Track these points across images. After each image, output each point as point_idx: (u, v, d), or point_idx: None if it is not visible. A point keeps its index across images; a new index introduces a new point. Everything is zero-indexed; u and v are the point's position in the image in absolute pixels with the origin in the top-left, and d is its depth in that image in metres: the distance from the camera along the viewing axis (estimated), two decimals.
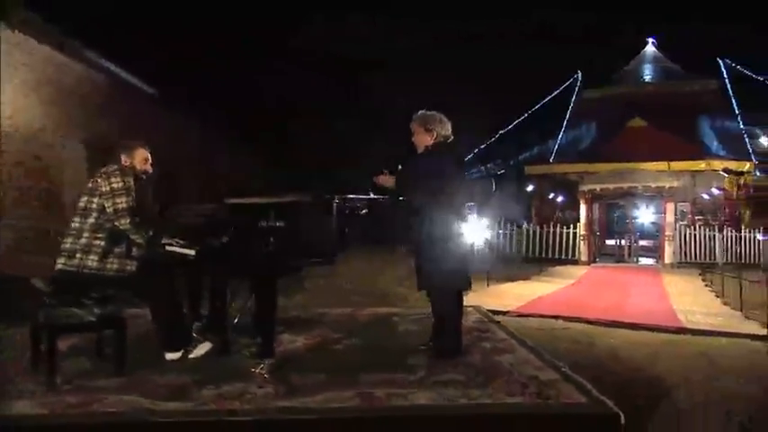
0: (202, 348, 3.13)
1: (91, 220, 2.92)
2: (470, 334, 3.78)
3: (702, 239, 13.27)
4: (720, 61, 19.82)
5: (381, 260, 9.06)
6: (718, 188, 15.57)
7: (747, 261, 12.75)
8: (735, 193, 15.46)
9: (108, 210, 2.91)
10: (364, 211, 3.49)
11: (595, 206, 15.18)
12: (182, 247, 3.11)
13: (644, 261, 14.44)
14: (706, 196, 15.86)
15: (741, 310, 6.46)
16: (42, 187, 6.58)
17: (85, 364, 3.01)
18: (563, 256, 13.48)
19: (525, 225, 14.22)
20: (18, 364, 3.02)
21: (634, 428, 2.52)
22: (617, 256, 14.68)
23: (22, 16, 6.11)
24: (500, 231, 13.54)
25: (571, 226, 13.89)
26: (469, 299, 3.62)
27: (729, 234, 13.17)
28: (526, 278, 9.63)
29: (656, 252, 14.59)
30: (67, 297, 2.80)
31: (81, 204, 2.97)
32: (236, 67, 15.02)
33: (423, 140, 3.41)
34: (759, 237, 13.26)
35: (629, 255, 14.53)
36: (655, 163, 14.61)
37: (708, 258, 12.80)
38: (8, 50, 5.96)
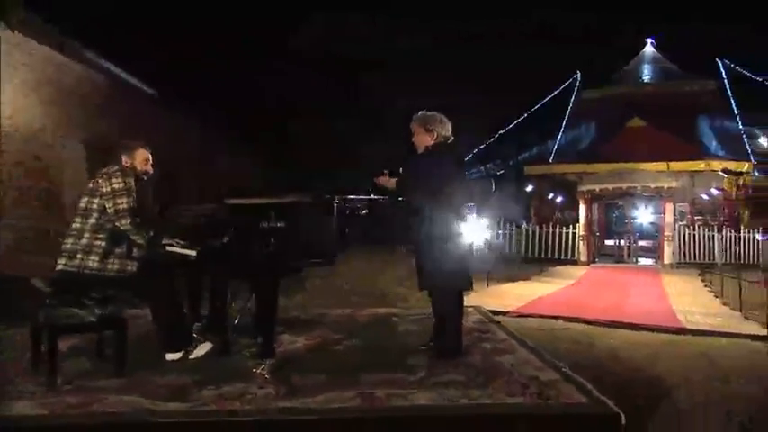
0: (203, 349, 3.13)
1: (92, 221, 2.93)
2: (471, 334, 3.78)
3: (701, 240, 13.28)
4: (719, 62, 19.88)
5: (381, 260, 9.07)
6: (718, 188, 15.59)
7: (746, 261, 12.76)
8: (734, 194, 15.49)
9: (109, 210, 2.91)
10: (364, 212, 3.50)
11: (595, 206, 15.19)
12: (182, 247, 3.11)
13: (643, 261, 14.44)
14: (705, 197, 15.88)
15: (740, 311, 6.47)
16: (42, 187, 6.58)
17: (86, 364, 3.02)
18: (562, 257, 13.49)
19: (525, 225, 14.22)
20: (18, 365, 3.02)
21: (634, 429, 2.53)
22: (616, 257, 14.69)
23: (21, 16, 6.11)
24: (499, 231, 13.54)
25: (570, 226, 13.89)
26: (470, 299, 3.62)
27: (728, 234, 13.19)
28: (526, 278, 9.63)
29: (655, 252, 14.60)
30: (68, 297, 2.80)
31: (82, 205, 2.97)
32: (236, 67, 15.02)
33: (423, 141, 3.41)
34: (758, 237, 13.28)
35: (629, 255, 14.54)
36: (654, 163, 14.63)
37: (707, 259, 12.80)
38: (8, 51, 5.95)
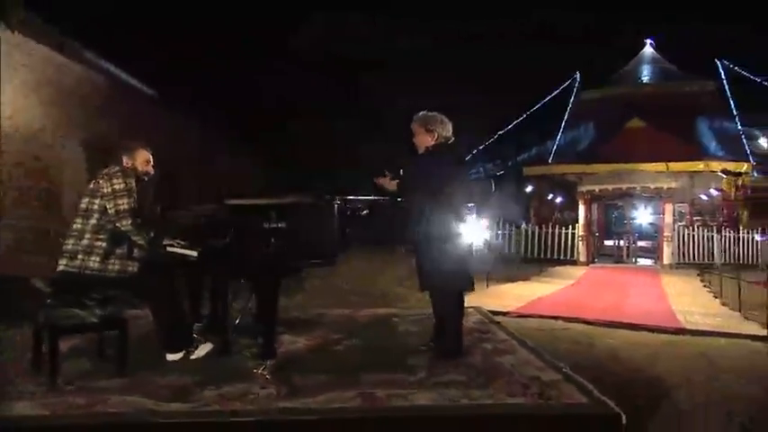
0: (204, 349, 3.13)
1: (92, 222, 2.93)
2: (471, 335, 3.79)
3: (701, 240, 13.30)
4: (718, 62, 19.93)
5: (381, 260, 9.07)
6: (717, 189, 15.62)
7: (745, 262, 12.78)
8: (733, 194, 15.52)
9: (110, 211, 2.91)
10: (365, 212, 3.50)
11: (594, 207, 15.20)
12: (183, 248, 3.12)
13: (642, 262, 14.46)
14: (704, 197, 15.90)
15: (740, 311, 6.48)
16: (42, 187, 6.57)
17: (87, 365, 3.01)
18: (562, 257, 13.50)
19: (524, 226, 14.23)
20: (19, 365, 3.02)
21: (635, 429, 2.53)
22: (615, 257, 14.70)
23: (21, 17, 6.10)
24: (499, 232, 13.55)
25: (570, 227, 13.91)
26: (469, 299, 3.62)
27: (727, 235, 13.20)
28: (526, 279, 9.64)
29: (654, 253, 14.62)
30: (69, 298, 2.81)
31: (82, 206, 2.97)
32: (236, 68, 15.01)
33: (424, 141, 3.42)
34: (757, 237, 13.30)
35: (628, 255, 14.56)
36: (653, 164, 14.65)
37: (706, 259, 12.83)
38: (8, 51, 5.95)
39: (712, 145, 17.31)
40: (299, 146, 14.78)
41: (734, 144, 17.38)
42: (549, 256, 13.50)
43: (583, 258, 13.60)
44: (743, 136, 17.88)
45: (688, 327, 5.53)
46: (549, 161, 18.61)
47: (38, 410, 2.39)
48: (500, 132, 19.98)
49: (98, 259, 2.90)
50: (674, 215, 14.05)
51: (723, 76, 19.65)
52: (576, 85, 20.62)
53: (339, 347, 3.57)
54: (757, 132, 18.42)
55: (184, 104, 9.99)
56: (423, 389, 2.71)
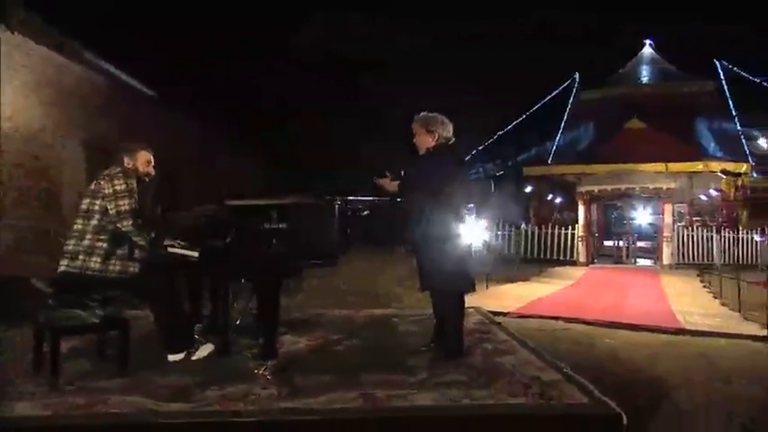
0: (205, 350, 3.13)
1: (94, 222, 2.93)
2: (472, 335, 3.79)
3: (700, 240, 13.31)
4: (717, 63, 19.96)
5: (381, 260, 9.07)
6: (716, 189, 15.64)
7: (745, 262, 12.79)
8: (732, 195, 15.53)
9: (111, 212, 2.91)
10: (366, 213, 3.50)
11: (593, 207, 15.21)
12: (183, 248, 3.12)
13: (642, 262, 14.47)
14: (703, 197, 15.92)
15: (739, 311, 6.48)
16: (42, 187, 6.57)
17: (87, 365, 3.01)
18: (561, 258, 13.51)
19: (524, 226, 14.24)
20: (19, 366, 3.02)
21: (636, 430, 2.53)
22: (615, 257, 14.71)
23: (21, 17, 6.10)
24: (499, 233, 13.56)
25: (569, 227, 13.92)
26: (469, 300, 3.63)
27: (727, 235, 13.22)
28: (525, 279, 9.64)
29: (653, 253, 14.64)
30: (70, 298, 2.81)
31: (84, 206, 2.97)
32: (236, 68, 15.02)
33: (424, 142, 3.42)
34: (756, 238, 13.31)
35: (627, 256, 14.57)
36: (652, 164, 14.66)
37: (705, 259, 12.84)
38: (8, 52, 5.95)
39: (711, 145, 17.34)
40: (298, 146, 14.79)
41: (733, 144, 17.41)
42: (548, 256, 13.50)
43: (582, 259, 13.61)
44: (742, 136, 17.91)
45: (688, 327, 5.53)
46: (549, 161, 18.63)
47: (39, 411, 2.39)
48: (500, 133, 20.01)
49: (99, 260, 2.90)
50: (673, 215, 14.06)
51: (722, 77, 19.71)
52: (576, 85, 20.64)
53: (340, 348, 3.57)
54: (756, 133, 18.43)
55: (184, 104, 9.99)
56: (424, 389, 2.71)
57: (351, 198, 3.39)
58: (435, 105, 3.55)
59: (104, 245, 2.92)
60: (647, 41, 21.45)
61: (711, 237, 13.05)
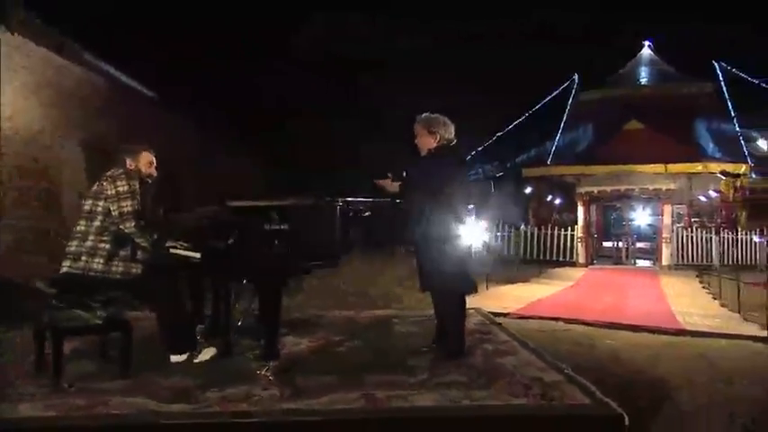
0: (207, 353, 3.13)
1: (96, 224, 2.93)
2: (472, 336, 3.78)
3: (699, 241, 13.33)
4: (716, 64, 19.98)
5: (381, 261, 9.07)
6: (715, 190, 15.67)
7: (744, 263, 12.81)
8: (731, 196, 15.55)
9: (113, 213, 2.91)
10: (367, 213, 3.51)
11: (593, 208, 15.22)
12: (186, 249, 3.12)
13: (641, 263, 14.49)
14: (703, 198, 15.95)
15: (739, 312, 6.49)
16: (42, 188, 6.57)
17: (89, 366, 3.01)
18: (561, 258, 13.52)
19: (523, 227, 14.25)
20: (20, 367, 3.02)
21: (637, 430, 2.54)
22: (614, 258, 14.73)
23: (21, 18, 6.10)
24: (498, 234, 13.57)
25: (569, 228, 13.93)
26: (469, 301, 3.63)
27: (726, 236, 13.23)
28: (525, 280, 9.65)
29: (653, 254, 14.65)
30: (73, 299, 2.81)
31: (86, 207, 2.97)
32: (236, 68, 15.01)
33: (426, 143, 3.43)
34: (755, 239, 13.33)
35: (627, 257, 14.59)
36: (651, 165, 14.69)
37: (704, 260, 12.86)
38: (8, 53, 5.95)
39: (710, 146, 17.38)
40: (298, 146, 14.79)
41: (732, 145, 17.45)
42: (548, 257, 13.51)
43: (582, 260, 13.62)
44: (741, 137, 17.94)
45: (688, 328, 5.54)
46: (548, 162, 18.64)
47: (41, 412, 2.39)
48: (499, 134, 20.02)
49: (102, 261, 2.90)
50: (672, 216, 14.08)
51: (721, 78, 19.73)
52: (575, 86, 20.67)
53: (341, 349, 3.57)
54: (755, 134, 18.48)
55: (184, 105, 9.99)
56: (424, 390, 2.72)
57: (352, 199, 3.39)
58: (435, 105, 3.56)
59: (107, 246, 2.92)
60: (646, 42, 21.50)
61: (710, 238, 13.07)
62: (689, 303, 7.43)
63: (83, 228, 2.95)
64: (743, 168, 15.56)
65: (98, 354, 3.11)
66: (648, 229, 16.59)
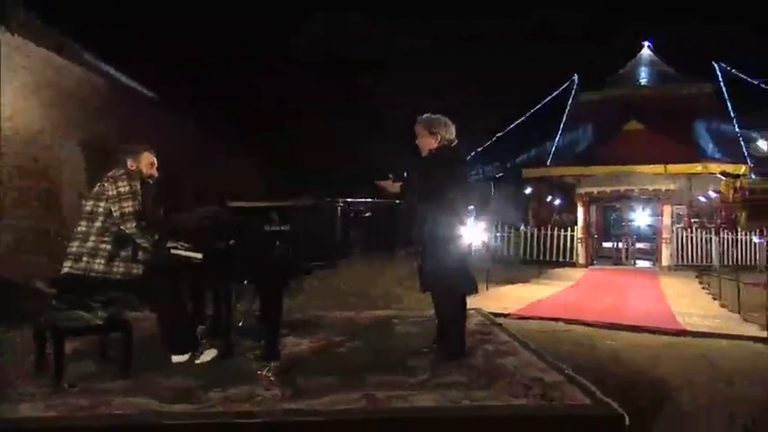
0: (208, 355, 3.13)
1: (97, 224, 2.93)
2: (472, 336, 3.79)
3: (699, 242, 13.34)
4: (716, 65, 19.99)
5: (381, 262, 9.07)
6: (715, 191, 15.67)
7: (743, 264, 12.82)
8: (731, 196, 15.55)
9: (114, 213, 2.91)
10: (368, 214, 3.51)
11: (592, 209, 15.22)
12: (187, 250, 3.12)
13: (641, 264, 14.49)
14: (702, 199, 15.95)
15: (739, 313, 6.49)
16: (42, 188, 6.57)
17: (90, 366, 3.01)
18: (561, 259, 13.52)
19: (523, 228, 14.25)
20: (20, 367, 3.02)
21: (638, 431, 2.54)
22: (614, 259, 14.72)
23: (21, 19, 6.10)
24: (498, 234, 13.57)
25: (568, 229, 13.93)
26: (469, 301, 3.63)
27: (726, 237, 13.24)
28: (525, 281, 9.64)
29: (652, 255, 14.65)
30: (74, 300, 2.81)
31: (87, 208, 2.98)
32: (236, 68, 15.01)
33: (427, 143, 3.43)
34: (755, 239, 13.34)
35: (627, 257, 14.59)
36: (651, 166, 14.68)
37: (704, 261, 12.87)
38: (8, 53, 5.96)
39: (710, 147, 17.38)
40: (298, 146, 14.79)
41: (732, 146, 17.45)
42: (547, 258, 13.51)
43: (582, 260, 13.62)
44: (740, 138, 17.95)
45: (688, 328, 5.54)
46: (548, 163, 18.64)
47: (42, 412, 2.39)
48: (499, 134, 20.02)
49: (103, 261, 2.90)
50: (672, 217, 14.08)
51: (721, 79, 19.74)
52: (575, 86, 20.67)
53: (342, 349, 3.58)
54: (755, 134, 18.49)
55: (184, 105, 9.99)
56: (425, 390, 2.72)
57: (352, 200, 3.40)
58: (435, 106, 3.56)
59: (108, 246, 2.92)
60: (646, 43, 21.50)
61: (710, 238, 13.07)
62: (689, 304, 7.43)
63: (84, 228, 2.95)
64: (742, 169, 15.56)
65: (98, 354, 3.11)
66: (648, 229, 16.59)
